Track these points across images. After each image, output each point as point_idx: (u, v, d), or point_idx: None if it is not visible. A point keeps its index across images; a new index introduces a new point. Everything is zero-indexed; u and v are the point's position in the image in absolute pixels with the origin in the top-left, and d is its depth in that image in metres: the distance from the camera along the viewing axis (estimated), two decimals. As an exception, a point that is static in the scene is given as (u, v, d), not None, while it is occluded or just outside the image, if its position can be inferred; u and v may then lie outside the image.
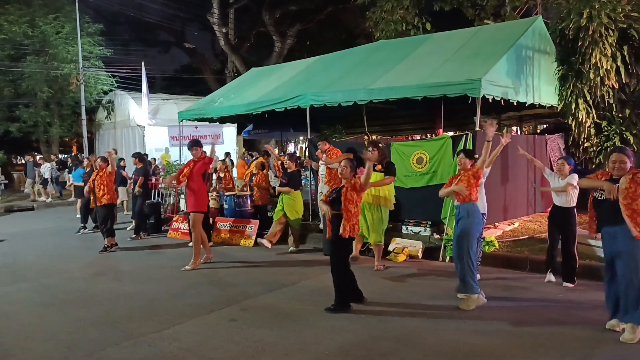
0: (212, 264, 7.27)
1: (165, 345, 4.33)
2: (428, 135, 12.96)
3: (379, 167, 6.69)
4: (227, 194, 9.64)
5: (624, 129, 9.09)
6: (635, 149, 8.83)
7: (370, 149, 6.71)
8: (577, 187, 5.65)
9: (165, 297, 5.78)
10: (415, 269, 6.76)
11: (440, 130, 11.00)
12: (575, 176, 5.70)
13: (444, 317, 4.86)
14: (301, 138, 22.11)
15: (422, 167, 7.87)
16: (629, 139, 9.00)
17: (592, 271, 5.87)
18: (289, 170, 8.22)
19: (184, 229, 9.50)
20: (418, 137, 13.27)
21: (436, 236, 7.54)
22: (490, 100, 7.71)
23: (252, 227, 8.89)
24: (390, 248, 7.42)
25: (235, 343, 4.34)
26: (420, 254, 7.32)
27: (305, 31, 23.03)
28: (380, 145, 6.97)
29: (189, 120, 11.99)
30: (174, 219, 10.13)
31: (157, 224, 10.29)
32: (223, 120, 12.66)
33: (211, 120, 12.23)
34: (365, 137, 9.31)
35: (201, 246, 7.24)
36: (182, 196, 11.16)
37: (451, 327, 4.60)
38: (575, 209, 5.80)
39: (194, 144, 7.32)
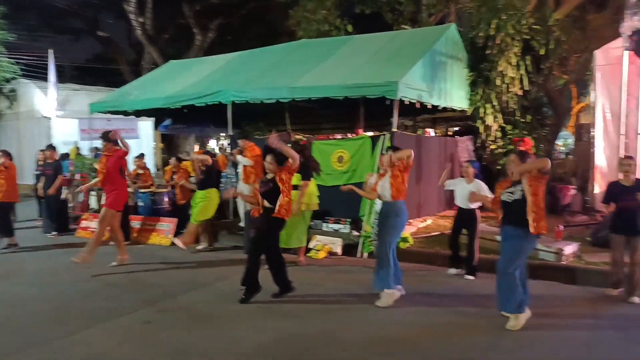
0: (126, 264, 6.94)
1: (73, 351, 4.08)
2: (348, 134, 13.24)
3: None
4: (142, 191, 9.26)
5: (526, 132, 9.87)
6: (537, 152, 9.63)
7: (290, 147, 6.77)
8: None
9: (74, 299, 5.45)
10: (334, 266, 6.90)
11: (360, 130, 11.28)
12: (484, 186, 6.11)
13: (362, 311, 5.01)
14: (222, 134, 21.71)
15: (342, 166, 8.04)
16: (530, 142, 9.77)
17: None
18: (202, 168, 8.00)
19: (94, 228, 9.00)
20: (339, 137, 13.51)
21: (355, 233, 7.73)
22: (407, 103, 8.02)
23: (170, 225, 8.61)
24: (311, 245, 7.51)
25: (150, 346, 4.19)
26: (340, 251, 7.47)
27: (228, 26, 22.58)
28: (304, 144, 7.01)
29: (102, 112, 11.38)
30: (83, 217, 9.57)
31: (64, 222, 9.67)
32: (139, 113, 12.13)
33: (126, 113, 11.68)
34: (294, 135, 9.26)
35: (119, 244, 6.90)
36: (92, 193, 10.58)
37: (369, 320, 4.75)
38: (478, 210, 6.22)
39: (102, 138, 6.85)
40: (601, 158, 9.18)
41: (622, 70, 8.57)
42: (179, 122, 14.12)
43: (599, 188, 8.87)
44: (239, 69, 10.23)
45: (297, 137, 9.19)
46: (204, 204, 7.79)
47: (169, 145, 21.88)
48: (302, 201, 6.61)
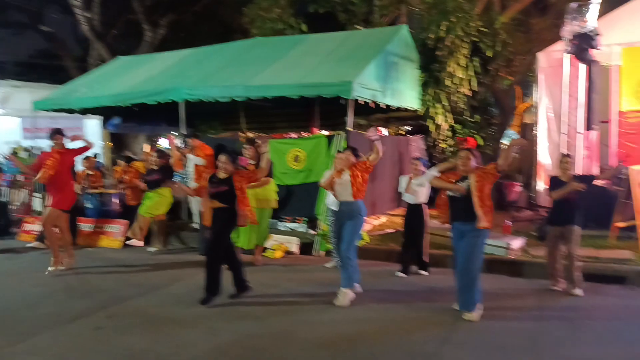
0: (75, 268, 6.68)
1: (19, 361, 3.91)
2: (303, 133, 13.26)
3: (252, 167, 6.65)
4: (91, 192, 8.93)
5: (475, 131, 10.21)
6: (484, 150, 10.00)
7: (247, 146, 6.77)
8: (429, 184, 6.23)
9: (19, 307, 5.19)
10: (291, 265, 6.90)
11: (315, 129, 11.32)
12: (429, 172, 6.26)
13: (320, 310, 5.03)
14: (175, 133, 21.22)
15: (298, 165, 8.06)
16: (478, 141, 10.14)
17: (449, 260, 6.46)
18: (155, 168, 7.83)
19: (37, 231, 8.62)
20: (294, 135, 13.51)
21: (311, 232, 7.76)
22: (361, 102, 8.12)
23: (120, 227, 8.36)
24: (268, 245, 7.48)
25: (100, 352, 4.06)
26: (296, 250, 7.48)
27: (179, 22, 22.07)
28: (257, 142, 6.99)
29: (46, 110, 10.90)
30: (26, 219, 9.15)
31: (5, 225, 9.20)
32: (86, 111, 11.70)
33: (72, 111, 11.24)
34: (242, 135, 9.28)
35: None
36: (37, 195, 10.11)
37: (325, 319, 4.78)
38: (425, 205, 6.38)
39: (57, 132, 6.61)
40: (544, 156, 9.63)
41: (563, 72, 9.02)
42: (129, 120, 13.72)
43: (542, 184, 9.29)
44: (192, 67, 10.03)
45: (250, 135, 9.15)
46: (157, 199, 7.64)
47: (117, 145, 21.16)
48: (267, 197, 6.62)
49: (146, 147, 15.56)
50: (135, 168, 8.73)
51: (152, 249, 7.85)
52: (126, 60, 12.03)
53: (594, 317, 4.84)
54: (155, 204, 7.65)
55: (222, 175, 5.20)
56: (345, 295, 5.19)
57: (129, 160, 9.09)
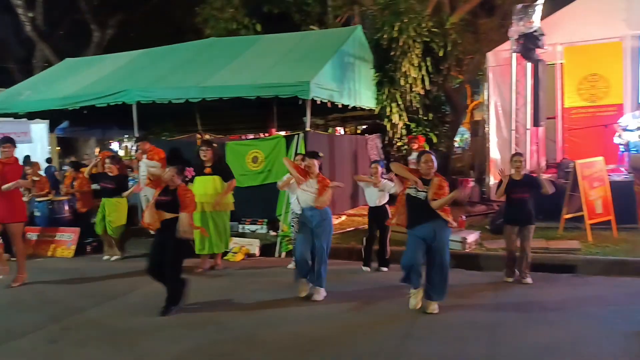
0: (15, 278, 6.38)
1: (-34, 381, 3.70)
2: (261, 134, 13.19)
3: (208, 169, 6.54)
4: (40, 199, 8.55)
5: (429, 129, 10.46)
6: (438, 147, 10.26)
7: (204, 148, 6.63)
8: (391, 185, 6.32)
9: (-37, 324, 4.92)
10: (252, 268, 6.85)
11: (273, 130, 11.30)
12: (390, 183, 6.33)
13: (282, 312, 5.01)
14: (126, 137, 20.65)
15: (257, 166, 8.01)
16: (432, 139, 10.40)
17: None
18: (110, 174, 7.59)
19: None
20: (251, 137, 13.42)
21: (272, 233, 7.73)
22: (318, 102, 8.16)
23: (72, 235, 8.05)
24: (228, 248, 7.39)
25: (58, 366, 3.91)
26: (257, 252, 7.43)
27: (128, 22, 21.46)
28: (215, 145, 6.89)
29: (-12, 115, 10.38)
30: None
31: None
32: (32, 115, 11.20)
33: (17, 115, 10.73)
34: (198, 136, 9.14)
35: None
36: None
37: (290, 321, 4.77)
38: (387, 206, 6.48)
39: (6, 141, 6.22)
40: (495, 152, 9.96)
41: (511, 71, 9.37)
42: (78, 124, 13.24)
43: (494, 180, 9.62)
44: (144, 68, 9.80)
45: (207, 137, 9.04)
46: (116, 213, 7.43)
47: (68, 149, 20.38)
48: (225, 200, 6.52)
49: (96, 151, 15.05)
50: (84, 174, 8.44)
51: (105, 257, 7.62)
52: (74, 61, 11.63)
53: (546, 306, 5.04)
54: (115, 219, 7.48)
55: (170, 185, 5.07)
56: (320, 292, 5.33)
57: (76, 166, 8.76)
